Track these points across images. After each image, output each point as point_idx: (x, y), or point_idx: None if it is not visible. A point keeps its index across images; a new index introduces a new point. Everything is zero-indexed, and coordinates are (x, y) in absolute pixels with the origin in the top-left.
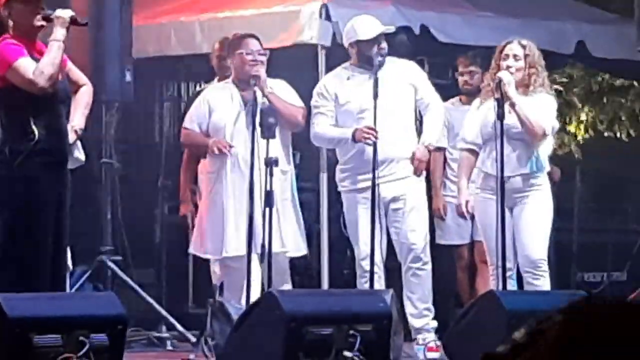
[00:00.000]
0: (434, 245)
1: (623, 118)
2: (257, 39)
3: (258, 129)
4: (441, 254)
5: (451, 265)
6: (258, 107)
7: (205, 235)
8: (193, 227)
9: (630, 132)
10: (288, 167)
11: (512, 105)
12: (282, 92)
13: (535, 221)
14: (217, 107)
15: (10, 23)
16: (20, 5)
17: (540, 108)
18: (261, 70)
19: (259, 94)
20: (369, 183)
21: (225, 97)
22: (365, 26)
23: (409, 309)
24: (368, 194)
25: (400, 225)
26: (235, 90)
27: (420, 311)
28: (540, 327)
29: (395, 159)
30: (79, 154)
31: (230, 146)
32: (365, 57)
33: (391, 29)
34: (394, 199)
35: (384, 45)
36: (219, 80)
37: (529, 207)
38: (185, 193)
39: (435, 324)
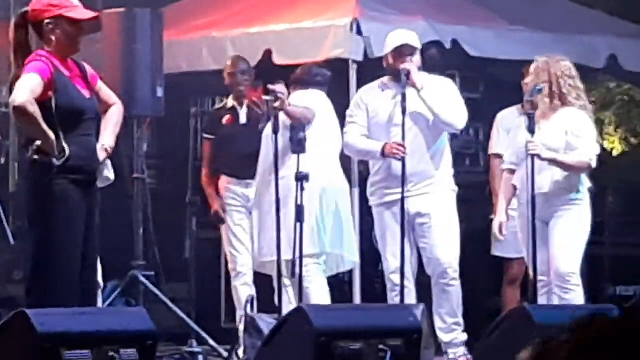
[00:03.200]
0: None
1: None
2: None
3: (281, 143)
4: (477, 266)
5: (492, 278)
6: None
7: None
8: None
9: None
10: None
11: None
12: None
13: (566, 234)
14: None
15: (53, 38)
16: (67, 24)
17: (562, 122)
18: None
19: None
20: (397, 197)
21: None
22: (391, 39)
23: (438, 323)
24: (396, 208)
25: (427, 241)
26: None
27: (449, 325)
28: (548, 347)
29: (422, 174)
30: (109, 173)
31: None
32: (393, 70)
33: (408, 39)
34: (419, 214)
35: (415, 59)
36: (233, 97)
37: (562, 221)
38: (214, 201)
39: (464, 337)
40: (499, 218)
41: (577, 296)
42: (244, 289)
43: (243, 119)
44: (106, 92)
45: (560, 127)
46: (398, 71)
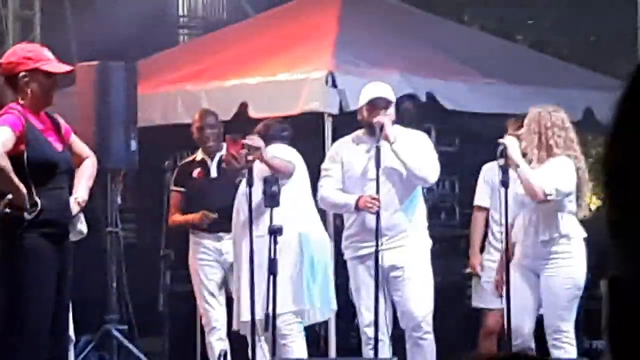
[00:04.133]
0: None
1: None
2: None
3: (256, 197)
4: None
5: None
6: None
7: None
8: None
9: None
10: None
11: (515, 167)
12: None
13: (557, 291)
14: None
15: (28, 91)
16: (43, 77)
17: (548, 171)
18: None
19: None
20: (370, 250)
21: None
22: (365, 92)
23: None
24: (370, 262)
25: (400, 294)
26: None
27: None
28: None
29: (396, 227)
30: (82, 226)
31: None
32: (367, 124)
33: (382, 92)
34: (393, 267)
35: (389, 112)
36: (202, 151)
37: (549, 276)
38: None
39: None
40: (476, 259)
41: (568, 353)
42: (218, 344)
43: (214, 173)
44: (79, 145)
45: (547, 176)
46: (372, 124)
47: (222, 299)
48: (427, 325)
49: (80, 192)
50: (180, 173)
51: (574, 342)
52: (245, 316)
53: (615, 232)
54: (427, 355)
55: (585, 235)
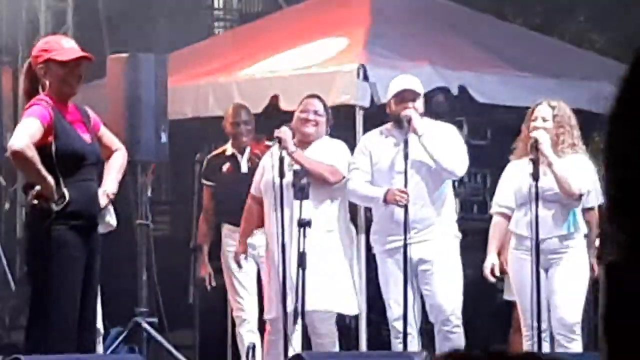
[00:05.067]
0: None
1: None
2: (320, 98)
3: (289, 189)
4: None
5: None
6: (281, 168)
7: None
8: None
9: None
10: (333, 226)
11: (550, 164)
12: (324, 150)
13: (570, 283)
14: (266, 167)
15: (47, 82)
16: (56, 67)
17: (574, 168)
18: (284, 130)
19: (283, 153)
20: (398, 244)
21: (276, 157)
22: (393, 84)
23: None
24: (398, 255)
25: (429, 287)
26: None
27: None
28: None
29: (424, 221)
30: (111, 218)
31: None
32: (394, 116)
33: (409, 84)
34: (422, 261)
35: (418, 105)
36: (233, 145)
37: (563, 269)
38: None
39: None
40: (490, 261)
41: (578, 345)
42: (248, 336)
43: (244, 168)
44: (109, 138)
45: (580, 174)
46: (400, 117)
47: (254, 291)
48: (457, 318)
49: (109, 184)
50: (209, 167)
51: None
52: (272, 312)
53: (614, 214)
54: (457, 345)
55: (586, 231)
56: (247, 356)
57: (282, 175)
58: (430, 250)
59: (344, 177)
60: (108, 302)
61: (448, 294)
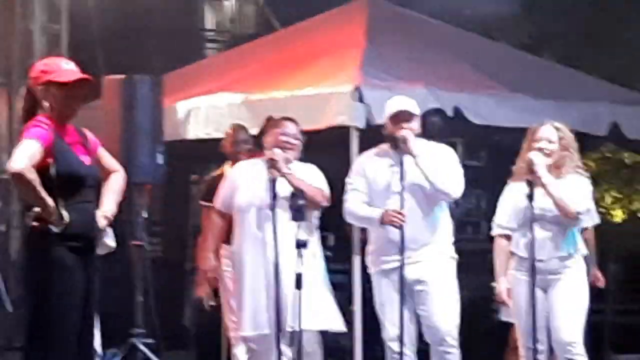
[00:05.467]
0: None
1: None
2: (296, 123)
3: (283, 210)
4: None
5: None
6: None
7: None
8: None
9: None
10: (317, 250)
11: (544, 185)
12: (305, 173)
13: (569, 303)
14: (242, 185)
15: (46, 104)
16: (56, 89)
17: (573, 189)
18: (278, 152)
19: (276, 174)
20: (394, 265)
21: (252, 175)
22: (389, 105)
23: None
24: (394, 275)
25: (425, 308)
26: (264, 168)
27: None
28: None
29: (419, 241)
30: (110, 240)
31: None
32: (390, 136)
33: (405, 105)
34: (418, 282)
35: (414, 126)
36: (231, 165)
37: (563, 289)
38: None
39: None
40: (503, 285)
41: None
42: (245, 357)
43: None
44: (108, 159)
45: (578, 195)
46: (396, 138)
47: None
48: (453, 339)
49: (108, 206)
50: (208, 188)
51: (585, 355)
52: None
53: None
54: None
55: (586, 252)
56: None
57: (275, 196)
58: (427, 270)
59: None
60: (103, 324)
61: (444, 314)
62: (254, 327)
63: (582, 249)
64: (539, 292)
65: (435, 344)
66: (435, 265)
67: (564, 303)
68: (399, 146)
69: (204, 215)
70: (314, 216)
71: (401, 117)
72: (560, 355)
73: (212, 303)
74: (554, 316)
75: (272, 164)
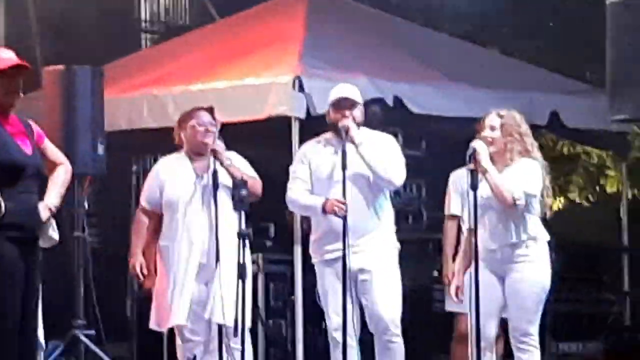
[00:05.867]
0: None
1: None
2: (209, 111)
3: (225, 201)
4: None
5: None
6: (215, 180)
7: (156, 307)
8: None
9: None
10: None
11: (483, 172)
12: (238, 163)
13: (523, 294)
14: (168, 180)
15: None
16: None
17: (516, 175)
18: (219, 143)
19: (216, 164)
20: (337, 254)
21: (177, 170)
22: (332, 93)
23: None
24: (337, 265)
25: (368, 297)
26: (188, 162)
27: None
28: None
29: (362, 230)
30: (53, 232)
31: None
32: (332, 125)
33: (346, 92)
34: (361, 271)
35: (356, 113)
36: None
37: (517, 279)
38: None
39: None
40: (456, 282)
41: (533, 357)
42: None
43: None
44: (53, 151)
45: (516, 180)
46: (338, 127)
47: None
48: (396, 328)
49: (52, 198)
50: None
51: (538, 345)
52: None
53: None
54: (397, 355)
55: (548, 238)
56: None
57: (216, 187)
58: (369, 260)
59: None
60: (45, 315)
61: (387, 303)
62: (186, 318)
63: (540, 235)
64: (494, 279)
65: (379, 333)
66: (378, 254)
67: (518, 294)
68: (340, 134)
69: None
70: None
71: (343, 104)
72: (514, 345)
73: (145, 271)
74: (508, 306)
75: (213, 155)
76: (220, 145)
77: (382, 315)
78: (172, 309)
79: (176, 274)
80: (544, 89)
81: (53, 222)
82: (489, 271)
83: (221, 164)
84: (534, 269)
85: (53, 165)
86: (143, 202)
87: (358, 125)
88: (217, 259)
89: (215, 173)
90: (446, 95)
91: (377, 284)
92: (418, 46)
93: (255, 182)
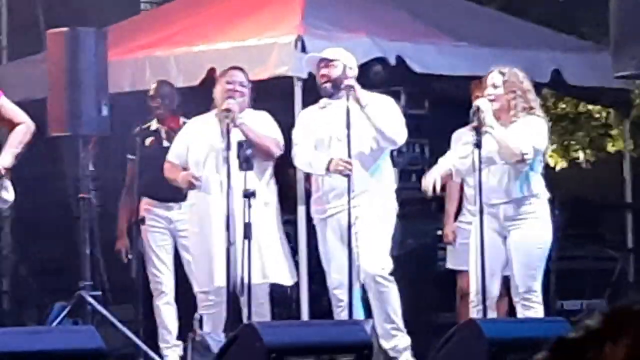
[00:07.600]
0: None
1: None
2: (243, 71)
3: (235, 161)
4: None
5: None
6: (228, 140)
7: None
8: (128, 260)
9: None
10: (270, 199)
11: (487, 130)
12: (258, 123)
13: (526, 250)
14: (195, 139)
15: None
16: None
17: (521, 131)
18: (233, 102)
19: (230, 125)
20: (334, 211)
21: (205, 129)
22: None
23: (378, 330)
24: (337, 223)
25: (356, 249)
26: (216, 121)
27: (387, 331)
28: (619, 319)
29: (362, 189)
30: (7, 193)
31: (196, 178)
32: (324, 89)
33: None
34: (354, 224)
35: (332, 71)
36: (156, 120)
37: (520, 236)
38: (121, 228)
39: (407, 342)
40: (449, 227)
41: (537, 313)
42: (166, 308)
43: (166, 142)
44: (10, 110)
45: (522, 136)
46: (337, 84)
47: (171, 264)
48: (384, 276)
49: (5, 158)
50: (133, 141)
51: (542, 302)
52: (220, 281)
53: None
54: (389, 307)
55: (549, 195)
56: (198, 327)
57: (229, 146)
58: (362, 213)
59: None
60: (52, 276)
61: (372, 252)
62: (211, 281)
63: (542, 193)
64: (497, 238)
65: (368, 282)
66: (372, 209)
67: (520, 250)
68: (332, 93)
69: (128, 168)
70: (270, 165)
71: (320, 67)
72: (517, 303)
73: (130, 256)
74: (511, 263)
75: (226, 115)
76: (234, 105)
77: (365, 268)
78: (214, 270)
79: (208, 236)
80: (546, 46)
81: (7, 182)
82: (491, 230)
83: (234, 124)
84: (536, 226)
85: (11, 125)
86: (171, 157)
87: (335, 81)
88: (228, 222)
89: (228, 133)
90: (448, 54)
91: (364, 236)
92: (421, 5)
93: (271, 141)
